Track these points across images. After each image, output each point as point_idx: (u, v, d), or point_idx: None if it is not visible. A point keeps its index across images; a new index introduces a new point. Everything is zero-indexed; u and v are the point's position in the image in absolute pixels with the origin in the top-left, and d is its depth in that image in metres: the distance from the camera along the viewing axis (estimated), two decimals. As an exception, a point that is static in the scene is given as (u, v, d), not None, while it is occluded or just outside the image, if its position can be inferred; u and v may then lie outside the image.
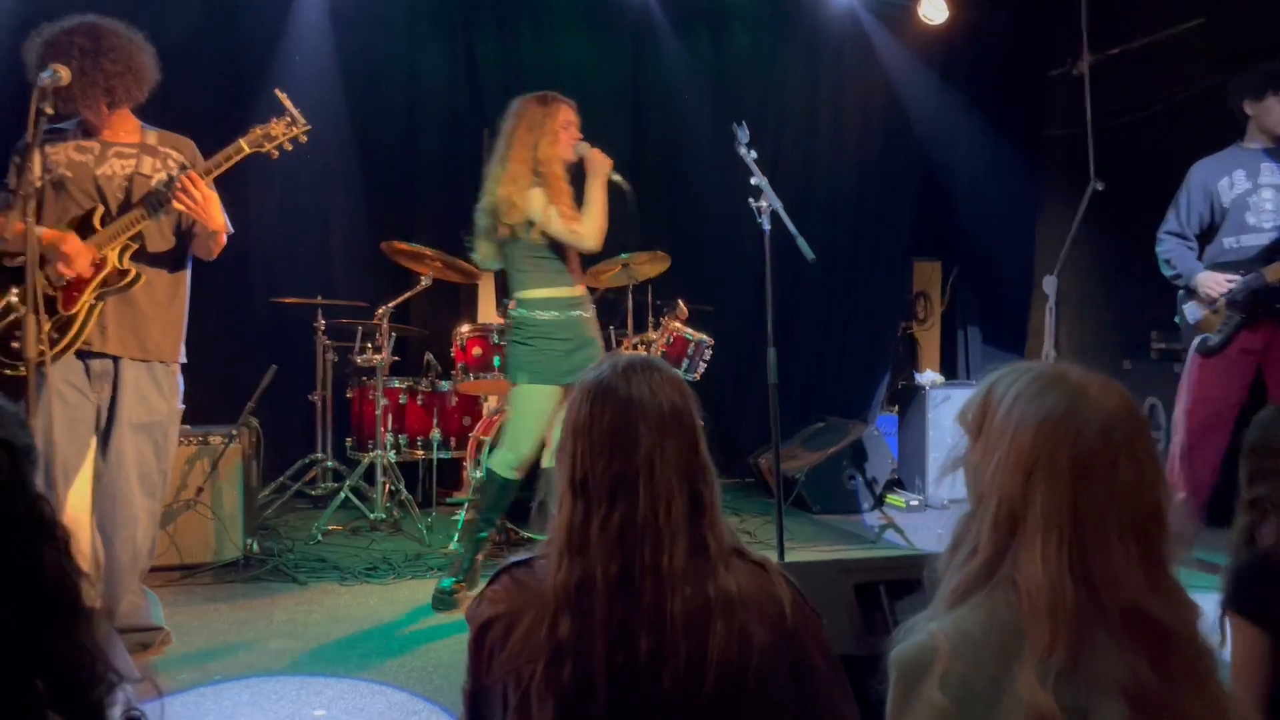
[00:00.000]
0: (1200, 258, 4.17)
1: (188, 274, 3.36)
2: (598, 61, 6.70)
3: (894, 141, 7.06)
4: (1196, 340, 4.13)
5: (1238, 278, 3.96)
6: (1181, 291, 4.22)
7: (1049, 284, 7.60)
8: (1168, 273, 4.23)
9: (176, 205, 3.05)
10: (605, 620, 1.36)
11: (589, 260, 5.50)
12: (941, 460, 5.81)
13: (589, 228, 3.75)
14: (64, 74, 2.80)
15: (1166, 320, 4.53)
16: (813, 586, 2.33)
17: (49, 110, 2.68)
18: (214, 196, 3.13)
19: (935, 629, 1.20)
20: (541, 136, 3.74)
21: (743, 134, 3.41)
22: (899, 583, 2.32)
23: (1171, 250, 4.19)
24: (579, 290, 3.88)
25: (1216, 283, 4.00)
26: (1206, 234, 4.18)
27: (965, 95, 7.03)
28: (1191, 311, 4.16)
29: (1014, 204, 7.30)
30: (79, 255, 2.98)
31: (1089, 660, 1.13)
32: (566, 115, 3.81)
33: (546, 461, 3.81)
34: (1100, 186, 6.93)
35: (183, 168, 3.13)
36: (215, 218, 3.15)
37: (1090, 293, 7.24)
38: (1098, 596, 1.14)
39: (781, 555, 3.62)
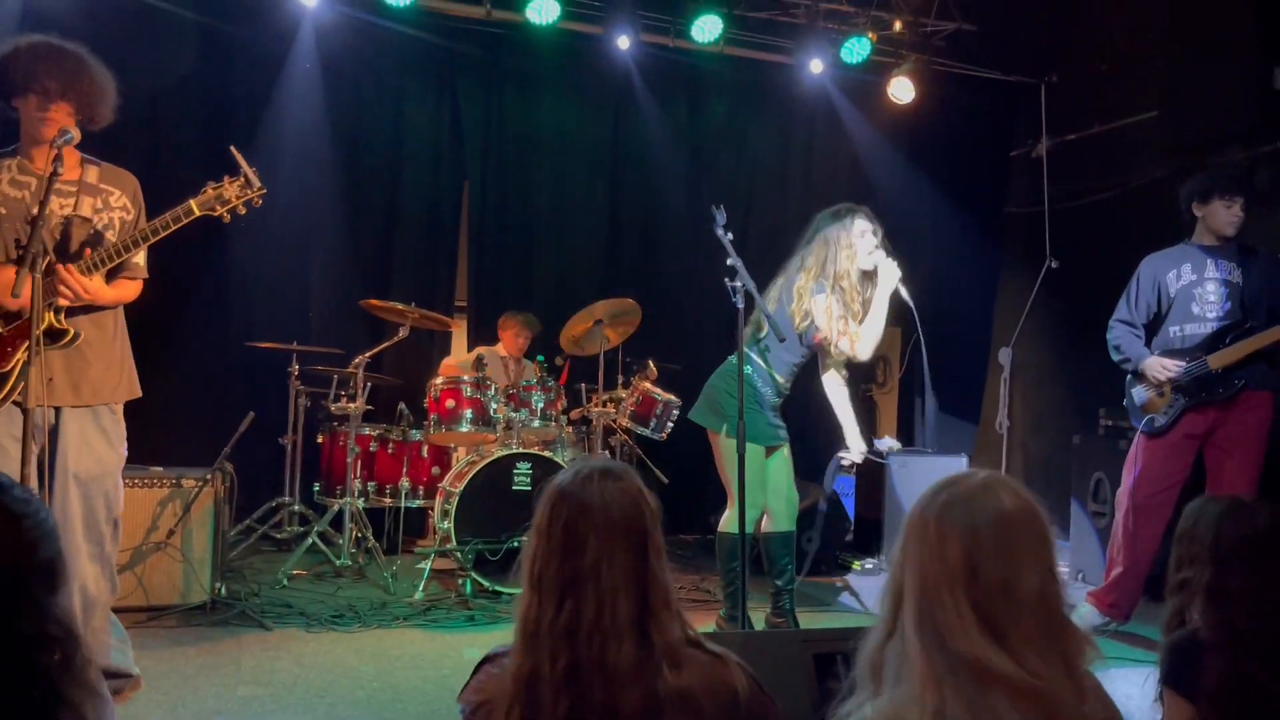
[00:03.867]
0: (1148, 344, 4.39)
1: (122, 310, 3.21)
2: (579, 124, 6.91)
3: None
4: (1143, 421, 4.33)
5: (1184, 364, 4.17)
6: (1130, 375, 4.43)
7: (1004, 355, 7.88)
8: (1116, 358, 4.44)
9: (60, 302, 2.88)
10: (552, 713, 1.46)
11: (560, 313, 5.67)
12: (896, 527, 5.99)
13: (866, 338, 3.99)
14: (76, 135, 2.83)
15: (1115, 398, 4.74)
16: (775, 656, 2.47)
17: (61, 170, 2.72)
18: (94, 284, 2.92)
19: (870, 713, 1.35)
20: (839, 249, 3.98)
21: (720, 216, 3.56)
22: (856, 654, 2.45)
23: (1121, 337, 4.40)
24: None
25: (1164, 367, 4.20)
26: (1153, 324, 4.40)
27: (930, 170, 7.31)
28: (1139, 394, 4.36)
29: (973, 276, 7.56)
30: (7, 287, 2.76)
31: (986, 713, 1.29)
32: (861, 226, 4.03)
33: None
34: (1055, 264, 7.24)
35: (50, 264, 2.84)
36: (104, 297, 3.00)
37: (1043, 367, 7.49)
38: (945, 646, 1.33)
39: (744, 619, 3.73)
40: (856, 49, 6.63)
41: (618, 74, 6.73)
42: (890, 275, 3.97)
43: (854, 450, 4.28)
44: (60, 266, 2.84)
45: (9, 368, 2.86)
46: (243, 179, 3.06)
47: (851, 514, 6.42)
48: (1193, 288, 4.24)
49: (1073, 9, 6.77)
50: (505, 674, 1.52)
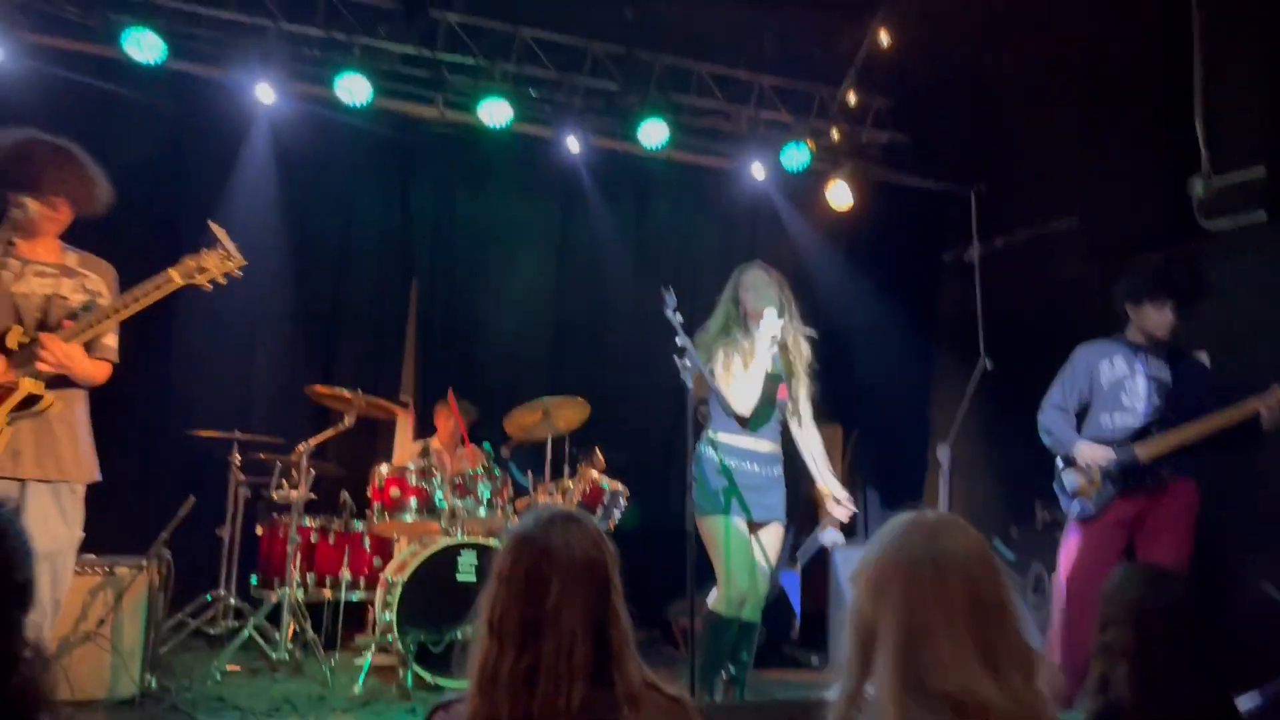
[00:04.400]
0: (1079, 430, 4.52)
1: (87, 392, 3.29)
2: (528, 218, 7.08)
3: (799, 310, 7.51)
4: (1074, 507, 4.43)
5: (1112, 452, 4.30)
6: (1059, 459, 4.54)
7: (942, 452, 8.02)
8: (1047, 440, 4.53)
9: (40, 367, 2.99)
10: None
11: (508, 405, 5.69)
12: (841, 618, 5.99)
13: (733, 388, 3.94)
14: (33, 208, 2.89)
15: (1051, 491, 4.85)
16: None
17: (16, 240, 2.76)
18: (74, 351, 3.05)
19: None
20: (721, 301, 4.10)
21: (670, 299, 3.66)
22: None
23: (1054, 421, 4.49)
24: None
25: (1094, 453, 4.31)
26: (1082, 412, 4.54)
27: (866, 272, 7.55)
28: (1069, 479, 4.46)
29: (910, 374, 7.77)
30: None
31: None
32: (751, 277, 4.10)
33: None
34: (989, 365, 7.46)
35: (34, 338, 3.03)
36: (82, 367, 3.09)
37: (980, 462, 7.64)
38: (929, 693, 1.33)
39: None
40: (796, 156, 6.91)
41: (567, 174, 6.92)
42: (769, 325, 3.92)
43: (838, 506, 4.16)
44: (43, 335, 2.94)
45: None
46: (222, 251, 3.17)
47: (797, 608, 6.41)
48: (1124, 379, 4.36)
49: (997, 122, 7.15)
50: None
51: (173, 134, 6.00)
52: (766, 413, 4.03)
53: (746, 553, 3.90)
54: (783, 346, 4.05)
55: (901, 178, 7.43)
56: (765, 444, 4.04)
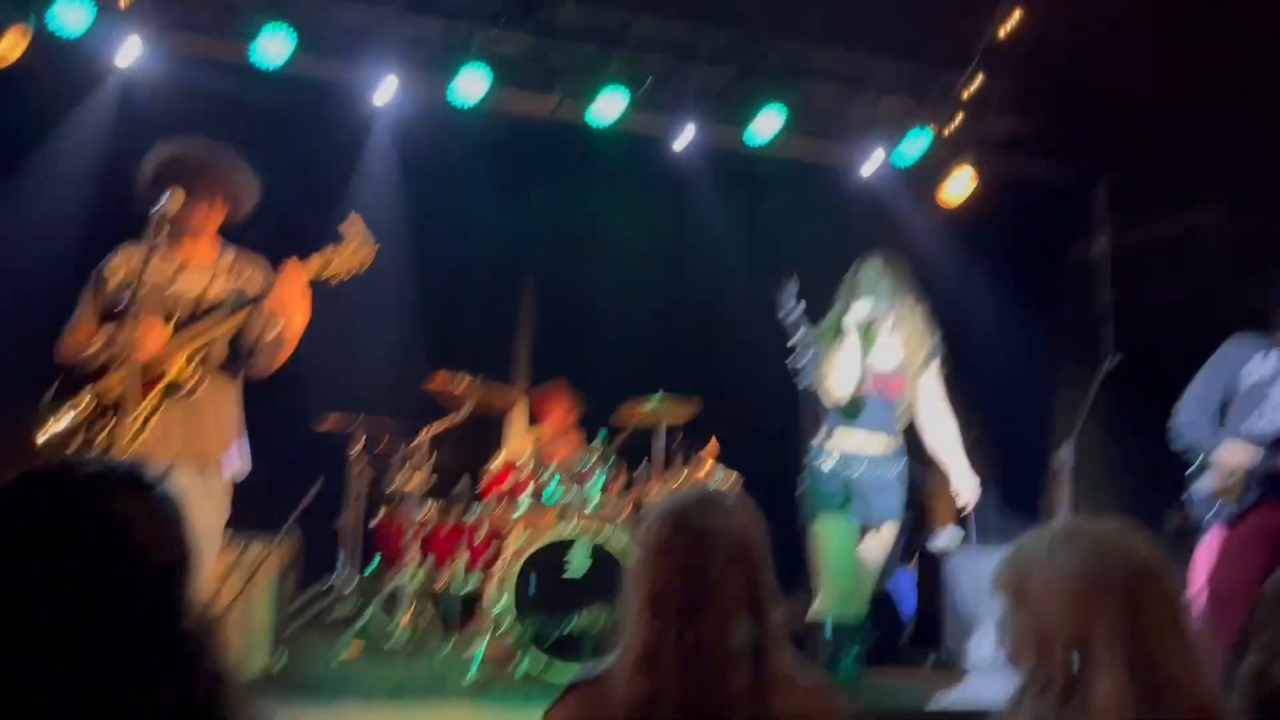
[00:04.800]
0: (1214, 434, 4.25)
1: (241, 388, 3.47)
2: (641, 216, 7.10)
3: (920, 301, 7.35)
4: (1213, 508, 4.17)
5: (1261, 450, 4.05)
6: (1193, 469, 4.28)
7: (1065, 452, 7.74)
8: (1181, 443, 4.25)
9: (275, 295, 3.16)
10: None
11: (619, 398, 5.71)
12: (961, 621, 5.83)
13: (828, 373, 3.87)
14: (178, 200, 3.03)
15: (1182, 497, 4.58)
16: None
17: (184, 239, 2.90)
18: (304, 303, 3.25)
19: None
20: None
21: (788, 291, 3.61)
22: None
23: (1191, 422, 4.20)
24: None
25: (1239, 453, 4.03)
26: (1221, 410, 4.27)
27: (988, 270, 7.32)
28: (1208, 480, 4.22)
29: (1033, 373, 7.50)
30: (152, 333, 3.06)
31: None
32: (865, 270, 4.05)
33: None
34: (1118, 359, 7.15)
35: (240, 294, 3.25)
36: (295, 320, 3.25)
37: (1106, 464, 7.35)
38: (1164, 701, 1.28)
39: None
40: (914, 146, 6.75)
41: (678, 171, 6.90)
42: (855, 312, 3.87)
43: (964, 493, 4.01)
44: (289, 262, 3.18)
45: (137, 413, 3.03)
46: (351, 244, 3.36)
47: (912, 607, 6.27)
48: (1275, 379, 4.10)
49: (1133, 105, 6.83)
50: (606, 700, 1.50)
51: (296, 138, 6.22)
52: (879, 409, 3.88)
53: (849, 559, 3.76)
54: (903, 340, 3.91)
55: (1026, 168, 7.17)
56: (879, 442, 3.90)
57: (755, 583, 1.55)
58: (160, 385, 3.12)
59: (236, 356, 3.37)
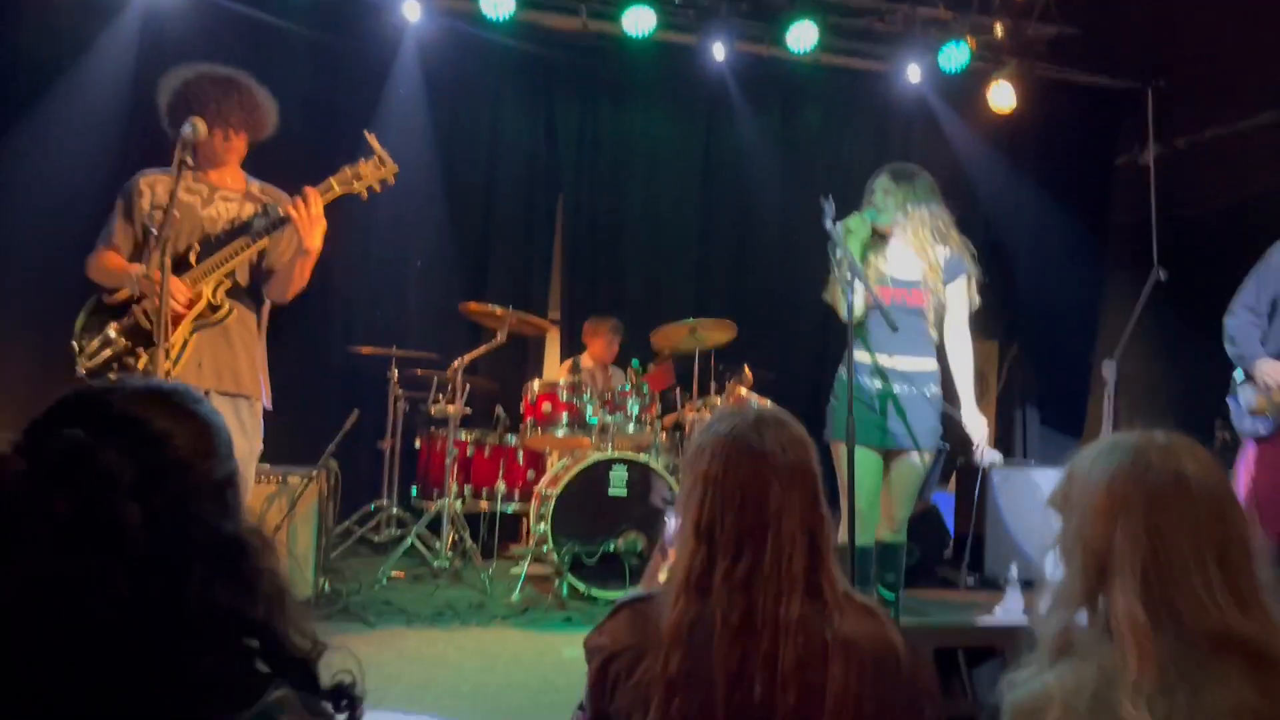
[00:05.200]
0: (1264, 339, 4.13)
1: (266, 317, 3.47)
2: (672, 132, 6.94)
3: (958, 222, 7.15)
4: (1252, 424, 4.09)
5: None
6: (1238, 376, 4.18)
7: (1108, 369, 7.58)
8: (1231, 350, 4.13)
9: (290, 211, 3.12)
10: (723, 663, 1.42)
11: (654, 321, 5.67)
12: (998, 539, 5.81)
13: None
14: (202, 128, 2.98)
15: (1227, 412, 4.48)
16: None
17: (189, 161, 2.86)
18: (324, 221, 3.19)
19: (1050, 679, 1.27)
20: None
21: (829, 208, 3.48)
22: (977, 650, 2.38)
23: (1240, 327, 4.08)
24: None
25: (1276, 371, 3.99)
26: (1272, 313, 4.14)
27: (1031, 179, 7.13)
28: (1246, 395, 4.12)
29: (1076, 287, 7.34)
30: (177, 291, 3.07)
31: (1193, 692, 1.20)
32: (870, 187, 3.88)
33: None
34: (1164, 276, 6.97)
35: (264, 209, 3.22)
36: (315, 239, 3.18)
37: (1151, 380, 7.22)
38: (1182, 624, 1.23)
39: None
40: (955, 55, 6.52)
41: (712, 83, 6.73)
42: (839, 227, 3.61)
43: (971, 431, 3.77)
44: (306, 188, 3.14)
45: (169, 344, 3.05)
46: (376, 159, 3.26)
47: (950, 528, 6.26)
48: None
49: (1182, 8, 6.54)
50: (653, 623, 1.48)
51: (323, 60, 6.11)
52: (903, 324, 3.58)
53: (871, 481, 3.60)
54: (917, 251, 3.72)
55: (1071, 75, 6.93)
56: (904, 361, 3.69)
57: (812, 505, 1.51)
58: (192, 314, 3.13)
59: (257, 282, 3.37)
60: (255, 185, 3.41)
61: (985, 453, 5.39)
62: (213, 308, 3.19)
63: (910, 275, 3.74)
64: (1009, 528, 5.84)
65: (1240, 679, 1.20)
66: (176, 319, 3.09)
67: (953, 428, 4.05)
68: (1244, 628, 1.21)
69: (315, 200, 3.13)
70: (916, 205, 3.75)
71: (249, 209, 3.31)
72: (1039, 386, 7.57)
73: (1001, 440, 7.68)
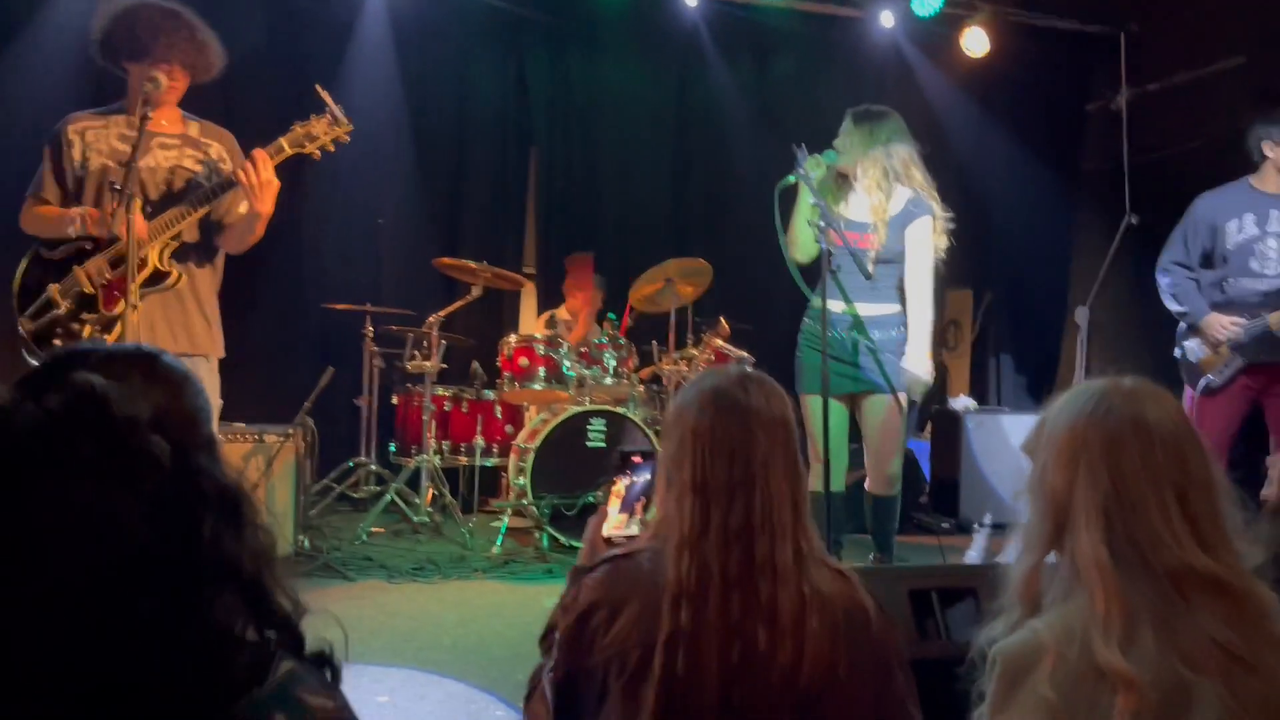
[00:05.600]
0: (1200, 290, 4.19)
1: (221, 268, 3.35)
2: (645, 82, 6.87)
3: (931, 169, 7.11)
4: (1201, 382, 4.15)
5: (1243, 321, 3.98)
6: (1183, 327, 4.24)
7: (1081, 315, 7.66)
8: (1173, 307, 4.21)
9: (239, 176, 2.98)
10: (722, 613, 1.44)
11: (630, 273, 5.65)
12: (972, 484, 5.89)
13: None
14: (164, 81, 2.90)
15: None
16: (870, 590, 2.43)
17: (151, 115, 2.79)
18: (275, 183, 3.04)
19: (1039, 625, 1.28)
20: None
21: (802, 156, 3.48)
22: (952, 591, 2.41)
23: (1178, 284, 4.17)
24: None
25: (1223, 325, 4.00)
26: (1203, 268, 4.20)
27: (1004, 126, 7.13)
28: (1193, 350, 4.18)
29: (1049, 235, 7.38)
30: (131, 219, 2.88)
31: (1163, 627, 1.22)
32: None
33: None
34: (1135, 221, 7.01)
35: (225, 167, 3.10)
36: (267, 202, 3.06)
37: (1123, 325, 7.28)
38: (1147, 562, 1.25)
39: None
40: (928, 1, 6.48)
41: (684, 32, 6.67)
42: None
43: (904, 363, 3.66)
44: (255, 150, 2.99)
45: (117, 311, 2.95)
46: (329, 116, 3.12)
47: (927, 474, 6.33)
48: (1254, 242, 4.01)
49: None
50: (644, 576, 1.49)
51: (287, 9, 5.98)
52: (853, 268, 3.56)
53: (835, 430, 3.52)
54: (868, 191, 3.68)
55: (1043, 19, 6.89)
56: (865, 307, 3.66)
57: (794, 458, 1.54)
58: (140, 277, 2.98)
59: (208, 234, 3.24)
60: (194, 125, 3.24)
61: (957, 399, 5.45)
62: (160, 275, 3.06)
63: (864, 218, 3.73)
64: (983, 473, 5.92)
65: (1210, 613, 1.23)
66: (121, 284, 2.93)
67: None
68: (1205, 565, 1.24)
69: (265, 164, 3.00)
70: (873, 146, 3.74)
71: (189, 157, 3.16)
72: (1013, 333, 7.63)
73: (975, 387, 7.75)
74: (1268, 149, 4.02)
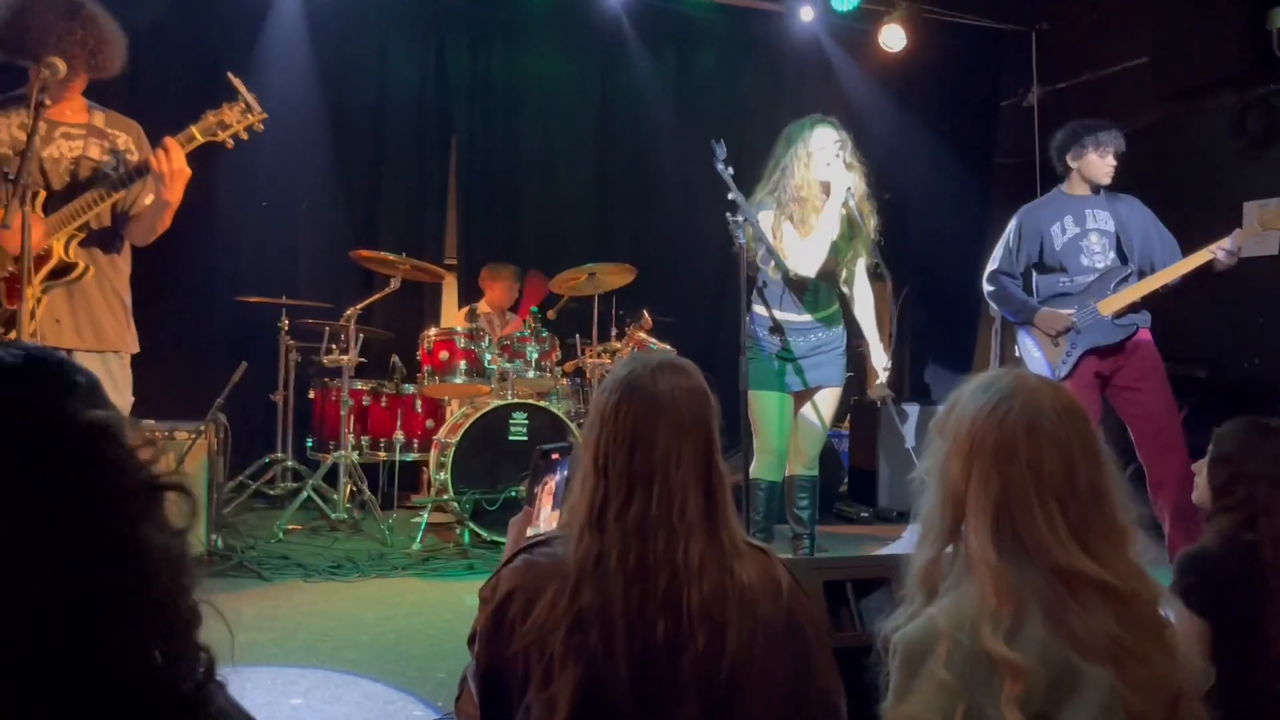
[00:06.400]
0: (1029, 292, 4.38)
1: (129, 259, 3.23)
2: (567, 74, 6.84)
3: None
4: (1048, 373, 4.31)
5: (1074, 312, 4.17)
6: (1021, 329, 4.41)
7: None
8: (1002, 309, 4.42)
9: (151, 162, 2.88)
10: (623, 603, 1.43)
11: (553, 265, 5.62)
12: (890, 474, 6.00)
13: (800, 252, 3.74)
14: (62, 68, 2.77)
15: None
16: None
17: (48, 102, 2.67)
18: (186, 171, 2.94)
19: (934, 612, 1.32)
20: (795, 160, 3.79)
21: (720, 151, 3.50)
22: (865, 581, 2.45)
23: (1005, 288, 4.36)
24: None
25: (1056, 318, 4.19)
26: (1027, 273, 4.40)
27: (921, 121, 7.25)
28: (1034, 345, 4.35)
29: (964, 227, 7.52)
30: (27, 215, 2.77)
31: (1052, 619, 1.26)
32: (821, 135, 3.80)
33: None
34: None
35: (115, 152, 2.99)
36: (176, 192, 2.95)
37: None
38: (1029, 560, 1.30)
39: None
40: (847, -1, 6.57)
41: (607, 24, 6.65)
42: (839, 188, 3.72)
43: (878, 362, 4.00)
44: (167, 139, 2.89)
45: (15, 307, 2.80)
46: (242, 104, 3.02)
47: (845, 462, 6.43)
48: (1078, 240, 4.23)
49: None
50: (556, 561, 1.48)
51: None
52: (820, 282, 3.86)
53: (786, 423, 3.85)
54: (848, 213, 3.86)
55: (958, 17, 7.05)
56: (822, 311, 3.92)
57: (707, 455, 1.52)
58: (42, 273, 2.88)
59: (116, 225, 3.13)
60: (99, 115, 3.11)
61: (874, 392, 5.55)
62: (66, 266, 2.94)
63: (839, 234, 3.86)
64: (900, 463, 6.04)
65: (1099, 609, 1.27)
66: (33, 265, 2.82)
67: (849, 365, 4.20)
68: (1091, 569, 1.28)
69: (178, 154, 2.90)
70: (857, 163, 3.86)
71: (95, 147, 3.04)
72: (929, 325, 7.78)
73: (894, 377, 7.89)
74: (1070, 160, 4.29)
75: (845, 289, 4.05)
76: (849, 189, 3.73)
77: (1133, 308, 4.10)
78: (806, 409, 3.94)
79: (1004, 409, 1.35)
